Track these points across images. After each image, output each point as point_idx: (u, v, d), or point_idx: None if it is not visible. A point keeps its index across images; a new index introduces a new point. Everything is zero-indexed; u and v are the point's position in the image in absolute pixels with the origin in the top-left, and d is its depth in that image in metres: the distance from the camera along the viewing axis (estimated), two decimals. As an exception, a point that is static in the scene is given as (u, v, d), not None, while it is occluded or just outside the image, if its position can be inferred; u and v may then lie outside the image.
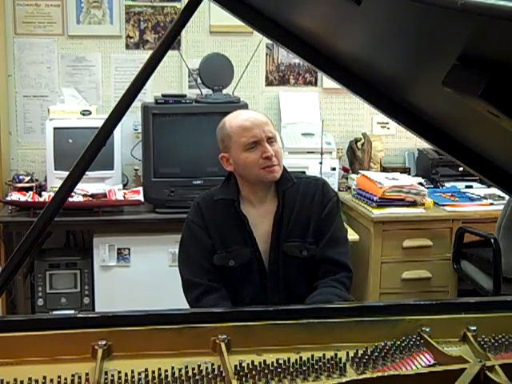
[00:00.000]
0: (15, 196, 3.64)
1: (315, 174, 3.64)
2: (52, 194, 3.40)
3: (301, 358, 1.50)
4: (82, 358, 1.51)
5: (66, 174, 1.64)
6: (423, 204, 3.71)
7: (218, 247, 2.23)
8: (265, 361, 1.47)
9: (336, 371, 1.47)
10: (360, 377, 1.41)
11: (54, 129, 3.71)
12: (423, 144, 4.02)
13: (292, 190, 2.26)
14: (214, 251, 2.23)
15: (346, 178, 4.19)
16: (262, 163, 2.16)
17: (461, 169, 4.07)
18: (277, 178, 2.20)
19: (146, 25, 4.15)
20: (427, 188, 3.90)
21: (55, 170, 3.68)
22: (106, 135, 1.66)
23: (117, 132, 3.62)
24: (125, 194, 3.71)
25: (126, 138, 4.00)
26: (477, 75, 0.93)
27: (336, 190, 3.75)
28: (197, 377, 1.41)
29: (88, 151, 1.62)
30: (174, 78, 4.20)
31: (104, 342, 1.51)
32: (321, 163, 3.74)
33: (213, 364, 1.47)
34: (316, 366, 1.46)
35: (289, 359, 1.49)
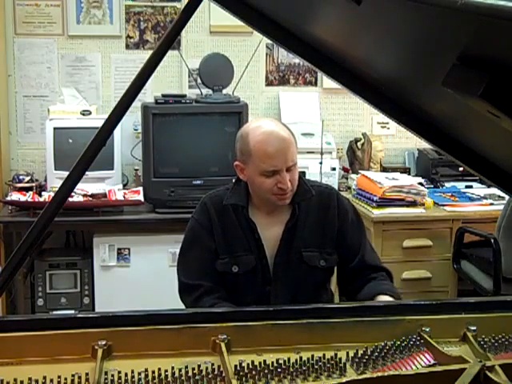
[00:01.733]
0: (15, 196, 3.64)
1: (315, 174, 3.66)
2: (52, 194, 3.40)
3: (301, 357, 1.50)
4: (82, 358, 1.51)
5: (65, 174, 1.64)
6: (423, 204, 3.71)
7: (222, 252, 2.20)
8: (265, 361, 1.47)
9: (336, 371, 1.47)
10: (360, 377, 1.41)
11: (54, 129, 3.71)
12: (423, 144, 4.02)
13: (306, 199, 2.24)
14: (217, 256, 2.20)
15: (346, 178, 4.19)
16: (275, 191, 2.12)
17: (461, 169, 4.07)
18: (287, 203, 2.17)
19: (146, 25, 4.15)
20: (427, 188, 3.90)
21: (55, 170, 3.69)
22: (106, 135, 1.66)
23: (117, 132, 3.62)
24: (125, 194, 3.71)
25: (126, 138, 4.00)
26: (477, 75, 0.93)
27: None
28: (197, 377, 1.41)
29: (88, 151, 1.62)
30: (173, 77, 4.20)
31: (104, 342, 1.51)
32: (321, 163, 3.74)
33: (213, 364, 1.47)
34: (316, 366, 1.46)
35: (289, 359, 1.49)
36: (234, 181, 2.29)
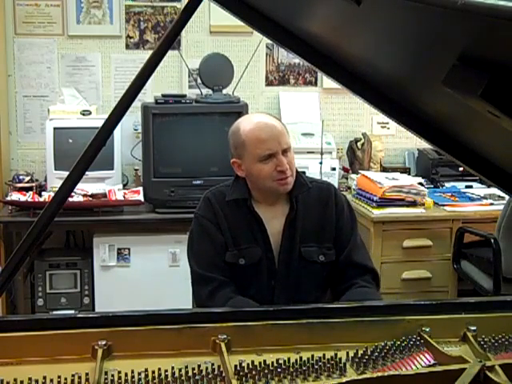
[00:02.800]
0: (15, 196, 3.64)
1: (315, 174, 3.66)
2: (52, 194, 3.40)
3: (301, 357, 1.50)
4: (82, 358, 1.51)
5: (65, 174, 1.64)
6: (423, 204, 3.71)
7: (230, 245, 2.22)
8: (265, 361, 1.47)
9: (336, 371, 1.47)
10: (360, 377, 1.41)
11: (54, 129, 3.71)
12: (423, 144, 4.02)
13: (304, 193, 2.25)
14: (226, 248, 2.22)
15: (346, 178, 4.19)
16: (275, 176, 2.14)
17: (461, 169, 4.07)
18: (289, 189, 2.19)
19: (146, 25, 4.15)
20: (427, 188, 3.90)
21: (55, 170, 3.69)
22: (106, 135, 1.66)
23: (117, 132, 3.62)
24: (125, 194, 3.71)
25: (126, 138, 4.00)
26: (477, 75, 0.93)
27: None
28: (197, 377, 1.41)
29: (88, 151, 1.62)
30: (173, 78, 4.20)
31: (104, 342, 1.51)
32: (321, 163, 3.74)
33: (213, 364, 1.46)
34: (316, 366, 1.46)
35: (289, 359, 1.49)
36: (233, 179, 2.30)
